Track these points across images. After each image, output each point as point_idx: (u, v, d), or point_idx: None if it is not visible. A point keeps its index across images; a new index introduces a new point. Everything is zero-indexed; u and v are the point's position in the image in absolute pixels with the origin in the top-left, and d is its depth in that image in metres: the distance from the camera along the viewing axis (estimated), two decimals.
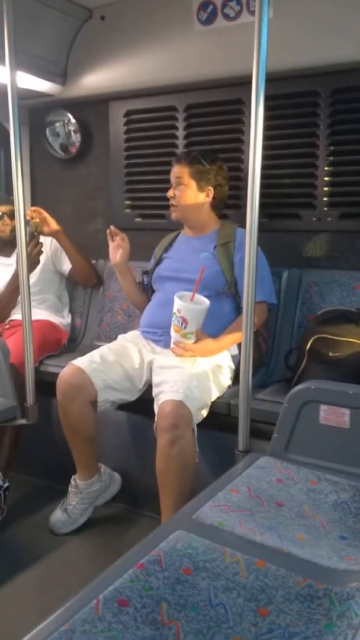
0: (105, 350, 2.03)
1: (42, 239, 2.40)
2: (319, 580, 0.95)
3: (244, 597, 0.92)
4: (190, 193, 2.07)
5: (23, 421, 1.97)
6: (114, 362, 1.97)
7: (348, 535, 1.14)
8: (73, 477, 2.00)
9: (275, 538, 1.09)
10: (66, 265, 2.59)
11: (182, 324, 1.82)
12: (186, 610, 0.89)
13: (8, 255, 2.55)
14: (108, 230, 2.19)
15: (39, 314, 2.46)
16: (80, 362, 1.95)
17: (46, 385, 2.04)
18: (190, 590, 0.93)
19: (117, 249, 2.18)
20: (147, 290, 2.25)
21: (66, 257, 2.57)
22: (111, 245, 2.19)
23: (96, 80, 2.56)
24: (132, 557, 1.00)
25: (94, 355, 2.00)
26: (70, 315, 2.68)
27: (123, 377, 1.96)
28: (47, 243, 2.54)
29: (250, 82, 1.48)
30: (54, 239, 2.55)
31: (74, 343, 2.64)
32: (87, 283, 2.67)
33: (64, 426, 1.94)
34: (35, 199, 2.98)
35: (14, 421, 1.93)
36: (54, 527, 1.98)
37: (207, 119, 2.48)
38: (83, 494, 1.98)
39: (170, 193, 2.11)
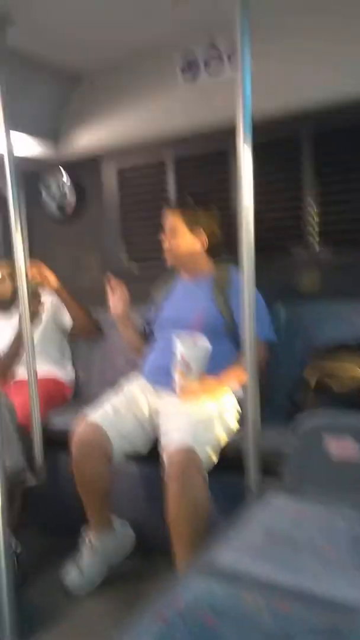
0: (115, 401, 2.03)
1: (43, 295, 2.45)
2: (344, 619, 0.93)
3: None
4: (183, 240, 2.13)
5: (33, 482, 1.94)
6: (126, 412, 1.97)
7: None
8: (86, 533, 1.96)
9: (295, 578, 1.06)
10: (67, 320, 2.62)
11: (185, 368, 1.84)
12: None
13: (10, 314, 2.58)
14: (107, 280, 2.23)
15: (43, 370, 2.46)
16: (95, 417, 1.94)
17: (53, 441, 2.04)
18: None
19: (118, 300, 2.21)
20: (149, 338, 2.27)
21: (67, 312, 2.60)
22: (111, 297, 2.22)
23: (88, 140, 2.68)
24: (152, 610, 0.97)
25: (106, 407, 1.99)
26: (73, 370, 2.69)
27: (134, 426, 1.96)
28: (48, 300, 2.58)
29: (234, 133, 1.55)
30: (54, 296, 2.59)
31: (78, 397, 2.64)
32: (89, 336, 2.70)
33: (78, 484, 1.92)
34: (34, 256, 3.04)
35: (23, 484, 1.90)
36: (70, 588, 1.92)
37: (195, 171, 2.57)
38: (97, 550, 1.93)
39: (164, 240, 2.16)
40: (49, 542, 2.25)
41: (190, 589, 1.04)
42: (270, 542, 1.20)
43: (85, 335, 2.70)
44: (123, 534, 2.02)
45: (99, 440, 1.88)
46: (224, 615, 0.96)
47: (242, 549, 1.18)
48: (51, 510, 2.26)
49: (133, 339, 2.29)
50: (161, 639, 0.91)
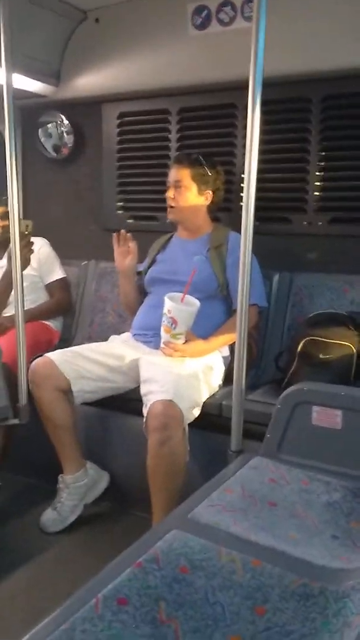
0: (83, 346, 2.09)
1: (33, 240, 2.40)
2: (314, 579, 0.97)
3: (241, 595, 0.94)
4: (190, 195, 2.10)
5: (15, 421, 1.97)
6: (90, 355, 2.01)
7: (340, 535, 1.16)
8: (61, 475, 2.01)
9: (269, 537, 1.10)
10: (47, 279, 2.59)
11: (172, 325, 1.84)
12: (184, 608, 0.90)
13: (1, 254, 2.54)
14: (115, 234, 2.19)
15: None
16: (52, 354, 2.00)
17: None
18: (188, 589, 0.94)
19: (125, 254, 2.18)
20: (141, 292, 2.27)
21: (51, 269, 2.58)
22: (118, 249, 2.18)
23: (89, 82, 2.57)
24: (130, 556, 1.01)
25: (69, 349, 2.06)
26: (61, 317, 2.68)
27: (102, 369, 1.99)
28: (37, 248, 2.54)
29: (242, 87, 1.50)
30: (44, 245, 2.55)
31: (65, 343, 2.63)
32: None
33: (41, 418, 1.98)
34: (27, 199, 2.97)
35: (6, 421, 1.93)
36: (44, 525, 1.97)
37: (199, 123, 2.50)
38: (70, 489, 1.98)
39: (170, 194, 2.12)
40: (31, 485, 2.29)
41: (166, 539, 1.07)
42: (248, 502, 1.24)
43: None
44: (96, 474, 2.07)
45: (52, 374, 1.94)
46: (197, 566, 1.00)
47: (220, 506, 1.21)
48: (34, 454, 2.30)
49: (131, 294, 2.27)
50: (135, 582, 0.94)
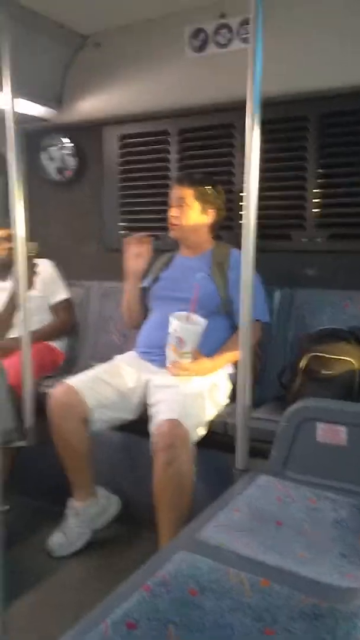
0: (98, 370, 2.06)
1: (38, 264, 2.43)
2: (323, 598, 0.97)
3: (250, 617, 0.94)
4: (192, 214, 2.13)
5: (23, 443, 1.97)
6: (107, 381, 2.00)
7: (348, 553, 1.16)
8: (70, 499, 2.00)
9: (277, 557, 1.10)
10: (52, 300, 2.61)
11: (178, 344, 1.85)
12: (193, 632, 0.90)
13: (4, 278, 2.56)
14: (127, 239, 2.22)
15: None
16: (73, 380, 1.98)
17: (43, 406, 2.05)
18: (197, 612, 0.94)
19: (138, 256, 2.20)
20: (145, 309, 2.28)
21: (56, 289, 2.60)
22: (131, 252, 2.20)
23: (91, 105, 2.62)
24: (138, 579, 1.01)
25: (87, 374, 2.03)
26: (66, 339, 2.69)
27: (116, 396, 1.98)
28: (41, 270, 2.57)
29: (241, 108, 1.53)
30: (48, 267, 2.59)
31: (69, 364, 2.65)
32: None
33: (57, 446, 1.96)
34: (31, 222, 3.00)
35: (13, 443, 1.93)
36: (52, 550, 1.97)
37: (199, 143, 2.54)
38: (80, 517, 1.98)
39: (173, 212, 2.15)
40: (38, 508, 2.28)
41: (174, 561, 1.07)
42: (255, 521, 1.24)
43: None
44: (107, 500, 2.06)
45: (75, 403, 1.92)
46: (207, 587, 1.00)
47: (227, 526, 1.21)
48: (41, 476, 2.30)
49: (134, 305, 2.27)
50: (144, 606, 0.94)
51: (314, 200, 2.30)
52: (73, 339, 2.71)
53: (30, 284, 2.36)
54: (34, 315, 2.46)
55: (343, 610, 0.93)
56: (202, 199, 2.13)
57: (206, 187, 2.14)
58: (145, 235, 2.23)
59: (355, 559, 1.14)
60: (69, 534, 1.97)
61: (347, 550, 1.17)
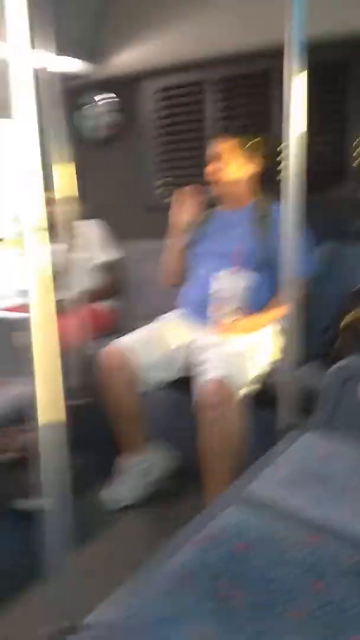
0: (144, 331, 2.08)
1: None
2: None
3: (297, 571, 0.96)
4: (231, 168, 2.07)
5: (79, 401, 2.02)
6: (153, 341, 2.02)
7: None
8: (122, 455, 2.06)
9: (323, 513, 1.12)
10: (98, 260, 2.65)
11: (223, 302, 1.84)
12: (243, 585, 0.93)
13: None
14: (178, 190, 2.17)
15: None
16: (121, 342, 2.01)
17: (91, 367, 2.10)
18: (246, 566, 0.97)
19: (187, 210, 2.15)
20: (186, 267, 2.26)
21: (103, 250, 2.64)
22: (181, 204, 2.15)
23: (126, 58, 2.55)
24: (188, 534, 1.04)
25: (134, 335, 2.05)
26: (112, 298, 2.71)
27: (163, 356, 2.01)
28: (88, 231, 2.58)
29: (280, 54, 1.45)
30: (95, 227, 2.60)
31: (116, 326, 2.67)
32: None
33: (108, 405, 2.01)
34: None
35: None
36: (107, 503, 2.03)
37: (238, 92, 2.45)
38: (133, 471, 2.04)
39: (210, 168, 2.09)
40: (90, 459, 2.35)
41: (222, 516, 1.10)
42: (302, 478, 1.25)
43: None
44: (158, 455, 2.11)
45: (125, 364, 1.95)
46: (255, 542, 1.03)
47: (274, 482, 1.23)
48: (91, 430, 2.35)
49: (175, 262, 2.23)
50: (195, 560, 0.97)
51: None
52: (119, 299, 2.73)
53: (77, 245, 2.37)
54: (81, 277, 2.48)
55: None
56: (240, 151, 2.06)
57: (243, 139, 2.06)
58: (198, 188, 2.16)
59: None
60: (123, 487, 2.03)
61: None
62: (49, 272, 0.95)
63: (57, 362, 0.99)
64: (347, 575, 0.94)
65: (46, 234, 1.06)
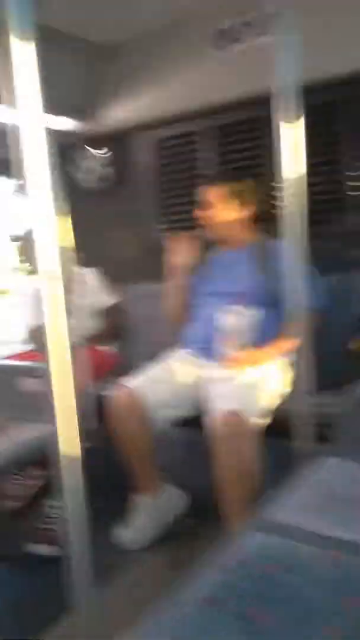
0: (153, 370, 2.11)
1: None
2: None
3: (327, 589, 0.95)
4: (225, 212, 2.15)
5: (88, 445, 2.04)
6: (163, 380, 2.05)
7: None
8: (137, 495, 2.04)
9: (350, 532, 1.11)
10: (100, 306, 2.71)
11: (230, 337, 1.89)
12: (274, 605, 0.93)
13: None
14: (174, 237, 2.24)
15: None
16: (132, 383, 2.03)
17: (100, 409, 2.12)
18: (274, 588, 0.96)
19: (185, 253, 2.21)
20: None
21: (103, 295, 2.71)
22: (179, 249, 2.22)
23: (120, 113, 2.69)
24: (214, 562, 1.04)
25: (143, 375, 2.08)
26: (116, 341, 2.76)
27: (173, 394, 2.03)
28: (88, 277, 2.66)
29: (271, 99, 1.54)
30: (94, 274, 2.67)
31: (122, 368, 2.71)
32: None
33: (121, 446, 2.01)
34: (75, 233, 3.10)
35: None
36: (125, 546, 2.00)
37: (231, 139, 2.56)
38: (149, 511, 2.02)
39: (205, 213, 2.17)
40: (105, 504, 2.34)
41: (248, 542, 1.09)
42: (324, 501, 1.25)
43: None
44: (173, 495, 2.09)
45: (137, 405, 1.97)
46: (282, 564, 1.02)
47: (297, 507, 1.23)
48: (102, 474, 2.35)
49: (181, 295, 2.28)
50: (218, 586, 0.97)
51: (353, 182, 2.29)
52: (123, 342, 2.77)
53: (77, 292, 2.45)
54: (82, 321, 2.55)
55: None
56: (235, 195, 2.14)
57: (233, 184, 2.15)
58: (194, 234, 2.23)
59: None
60: (139, 528, 2.01)
61: None
62: (64, 319, 0.99)
63: (74, 405, 1.02)
64: None
65: (61, 282, 1.12)
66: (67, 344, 0.96)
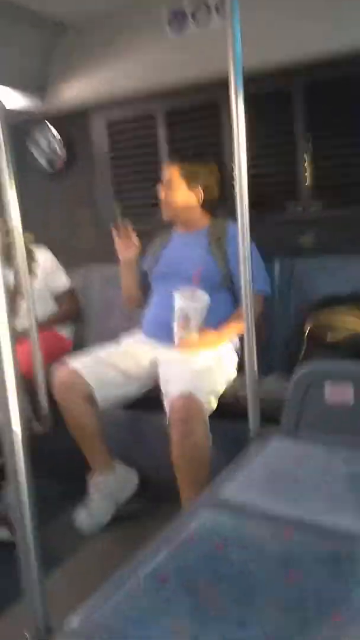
0: (101, 351, 2.12)
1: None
2: (345, 545, 1.02)
3: (274, 565, 0.98)
4: (180, 193, 2.16)
5: (40, 430, 2.02)
6: (110, 360, 2.06)
7: None
8: (90, 476, 2.05)
9: (298, 509, 1.14)
10: (54, 289, 2.65)
11: (184, 320, 1.89)
12: (222, 581, 0.95)
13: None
14: (114, 228, 2.22)
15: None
16: (73, 362, 2.05)
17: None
18: (223, 564, 0.99)
19: (127, 245, 2.22)
20: (145, 289, 2.32)
21: (57, 278, 2.64)
22: (122, 242, 2.22)
23: (75, 92, 2.63)
24: (166, 538, 1.05)
25: (88, 355, 2.10)
26: (71, 324, 2.72)
27: (122, 375, 2.04)
28: (41, 260, 2.59)
29: (224, 84, 1.54)
30: (47, 256, 2.61)
31: (77, 351, 2.68)
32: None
33: (68, 426, 2.02)
34: (24, 215, 3.02)
35: (31, 432, 1.98)
36: (80, 527, 2.01)
37: (186, 123, 2.55)
38: (102, 491, 2.03)
39: (161, 193, 2.17)
40: (58, 488, 2.33)
41: (197, 519, 1.12)
42: (273, 479, 1.28)
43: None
44: (126, 474, 2.10)
45: (77, 383, 1.98)
46: (231, 541, 1.05)
47: (246, 485, 1.26)
48: (59, 457, 2.34)
49: (133, 286, 2.32)
50: (173, 561, 0.98)
51: (306, 170, 2.32)
52: (79, 325, 2.74)
53: (30, 274, 2.38)
54: (38, 304, 2.49)
55: None
56: (189, 177, 2.15)
57: (192, 165, 2.16)
58: (124, 227, 2.22)
59: None
60: (94, 509, 2.02)
61: None
62: (1, 298, 0.95)
63: (16, 389, 1.00)
64: (325, 563, 0.97)
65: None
66: (6, 326, 0.92)
